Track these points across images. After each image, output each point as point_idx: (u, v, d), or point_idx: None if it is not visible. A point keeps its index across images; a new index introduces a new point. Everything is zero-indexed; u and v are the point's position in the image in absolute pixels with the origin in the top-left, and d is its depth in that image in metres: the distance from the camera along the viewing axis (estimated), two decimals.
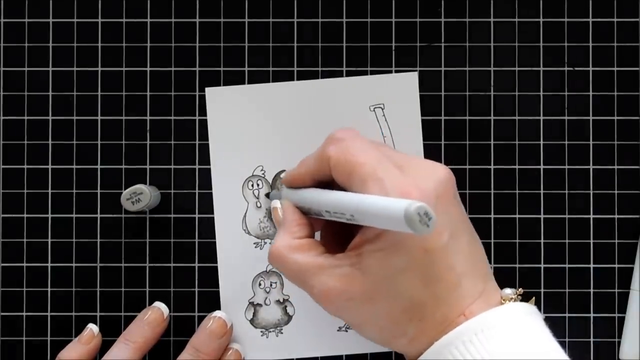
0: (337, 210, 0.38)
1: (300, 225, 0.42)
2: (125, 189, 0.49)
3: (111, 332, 0.49)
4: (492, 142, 0.49)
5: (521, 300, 0.40)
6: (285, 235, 0.42)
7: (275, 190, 0.49)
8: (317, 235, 0.45)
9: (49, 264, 0.50)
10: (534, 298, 0.41)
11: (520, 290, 0.41)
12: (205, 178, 0.50)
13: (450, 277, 0.38)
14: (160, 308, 0.48)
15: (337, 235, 0.43)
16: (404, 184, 0.38)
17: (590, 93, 0.49)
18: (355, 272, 0.39)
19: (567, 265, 0.49)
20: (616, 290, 0.49)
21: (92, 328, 0.48)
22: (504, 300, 0.40)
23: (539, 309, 0.44)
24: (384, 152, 0.40)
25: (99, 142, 0.50)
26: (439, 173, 0.40)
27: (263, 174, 0.50)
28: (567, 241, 0.49)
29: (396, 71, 0.49)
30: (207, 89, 0.50)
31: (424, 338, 0.39)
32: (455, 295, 0.39)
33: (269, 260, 0.42)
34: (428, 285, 0.38)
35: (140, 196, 0.46)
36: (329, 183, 0.42)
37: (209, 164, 0.50)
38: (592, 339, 0.49)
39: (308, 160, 0.43)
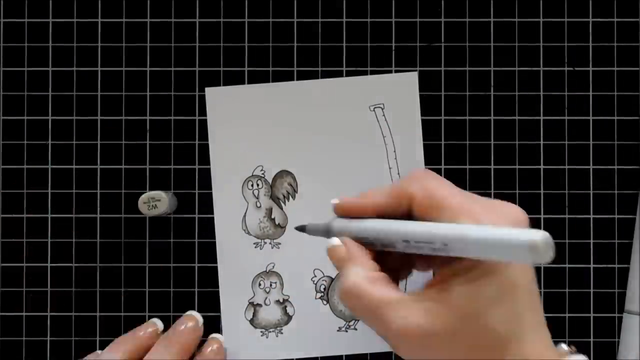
0: (423, 240, 0.37)
1: (372, 259, 0.40)
2: (124, 189, 0.49)
3: (111, 332, 0.49)
4: (492, 142, 0.49)
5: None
6: (360, 269, 0.39)
7: (312, 224, 0.45)
8: None
9: (49, 264, 0.50)
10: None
11: (574, 348, 0.41)
12: (205, 178, 0.50)
13: (531, 317, 0.38)
14: (195, 316, 0.49)
15: (391, 270, 0.41)
16: (493, 219, 0.37)
17: (590, 93, 0.49)
18: (439, 306, 0.37)
19: (567, 265, 0.49)
20: (616, 290, 0.49)
21: (157, 324, 0.49)
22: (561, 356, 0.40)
23: None
24: (461, 190, 0.40)
25: (99, 142, 0.50)
26: (518, 214, 0.39)
27: (263, 174, 0.50)
28: (567, 241, 0.49)
29: (396, 71, 0.50)
30: (207, 89, 0.50)
31: None
32: (538, 336, 0.38)
33: (340, 296, 0.40)
34: (513, 321, 0.37)
35: (157, 203, 0.47)
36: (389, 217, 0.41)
37: (209, 164, 0.50)
38: (592, 339, 0.49)
39: (377, 193, 0.41)
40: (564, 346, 0.40)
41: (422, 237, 0.38)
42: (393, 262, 0.41)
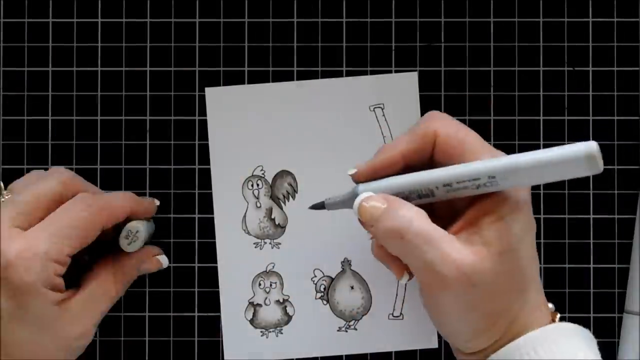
0: (470, 177, 0.38)
1: (413, 206, 0.39)
2: (124, 189, 0.49)
3: (111, 332, 0.49)
4: (492, 142, 0.49)
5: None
6: (406, 208, 0.39)
7: (330, 198, 0.43)
8: None
9: None
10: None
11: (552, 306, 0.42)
12: (205, 178, 0.50)
13: (536, 263, 0.41)
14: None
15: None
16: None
17: (590, 93, 0.49)
18: (477, 246, 0.38)
19: (567, 265, 0.49)
20: (616, 290, 0.49)
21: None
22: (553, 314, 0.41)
23: None
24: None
25: (99, 142, 0.50)
26: None
27: (263, 174, 0.50)
28: (567, 241, 0.49)
29: (396, 71, 0.50)
30: (207, 89, 0.50)
31: (490, 334, 0.39)
32: (539, 286, 0.41)
33: (384, 237, 0.39)
34: (533, 260, 0.40)
35: (137, 234, 0.45)
36: (413, 168, 0.41)
37: (209, 164, 0.50)
38: None
39: (396, 144, 0.41)
40: (551, 305, 0.42)
41: (467, 174, 0.38)
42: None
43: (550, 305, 0.41)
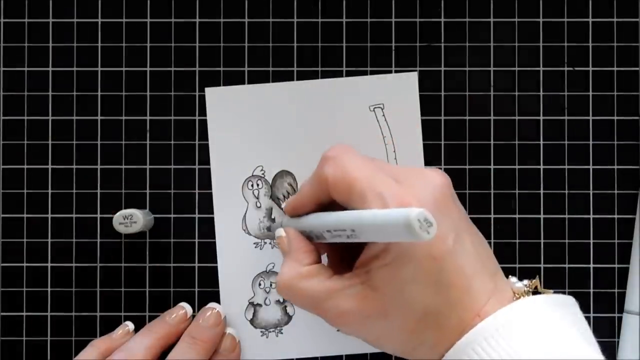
0: (337, 227, 0.38)
1: (306, 252, 0.42)
2: (124, 189, 0.49)
3: (111, 332, 0.49)
4: (492, 142, 0.49)
5: (535, 290, 0.41)
6: (292, 264, 0.41)
7: (276, 222, 0.49)
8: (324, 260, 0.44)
9: (49, 264, 0.50)
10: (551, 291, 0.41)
11: (535, 281, 0.41)
12: (205, 178, 0.50)
13: (460, 280, 0.38)
14: (185, 307, 0.49)
15: (344, 258, 0.43)
16: (401, 195, 0.38)
17: (590, 93, 0.49)
18: (366, 290, 0.39)
19: (567, 265, 0.49)
20: (616, 290, 0.49)
21: (129, 325, 0.49)
22: (517, 295, 0.40)
23: None
24: (378, 166, 0.41)
25: (99, 142, 0.50)
26: (434, 179, 0.40)
27: (263, 174, 0.50)
28: (567, 241, 0.49)
29: (396, 71, 0.50)
30: (207, 89, 0.50)
31: (444, 343, 0.39)
32: (468, 297, 0.39)
33: (278, 292, 0.42)
34: (439, 292, 0.38)
35: (133, 220, 0.47)
36: (331, 206, 0.42)
37: (209, 164, 0.50)
38: None
39: (306, 185, 0.43)
40: (519, 284, 0.41)
41: (333, 226, 0.39)
42: (345, 246, 0.42)
43: (520, 283, 0.40)
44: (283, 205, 0.46)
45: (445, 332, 0.39)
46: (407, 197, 0.38)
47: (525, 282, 0.41)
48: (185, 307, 0.48)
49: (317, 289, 0.40)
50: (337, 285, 0.40)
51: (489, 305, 0.39)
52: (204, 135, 0.50)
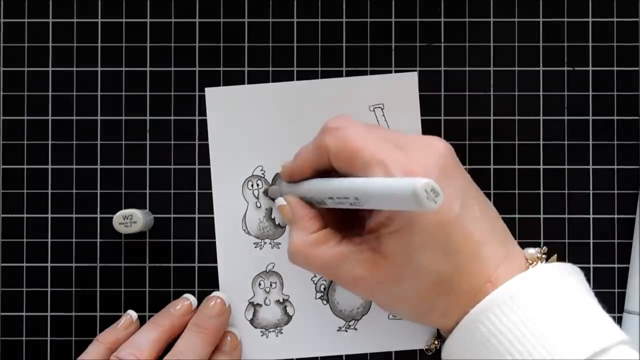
0: (340, 195, 0.38)
1: (311, 219, 0.42)
2: (124, 189, 0.49)
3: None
4: (492, 142, 0.49)
5: (547, 258, 0.41)
6: (301, 232, 0.42)
7: (273, 186, 0.48)
8: None
9: (49, 264, 0.50)
10: (555, 255, 0.41)
11: (545, 248, 0.41)
12: (205, 178, 0.50)
13: (469, 246, 0.39)
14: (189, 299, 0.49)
15: (342, 221, 0.43)
16: (406, 163, 0.38)
17: (590, 93, 0.49)
18: (376, 256, 0.39)
19: None
20: (616, 290, 0.49)
21: (131, 314, 0.48)
22: (530, 261, 0.40)
23: None
24: (381, 135, 0.41)
25: (99, 142, 0.50)
26: (438, 147, 0.40)
27: (263, 174, 0.50)
28: (566, 241, 0.49)
29: (396, 71, 0.50)
30: (207, 89, 0.50)
31: (456, 309, 0.39)
32: (478, 263, 0.39)
33: (290, 259, 0.42)
34: (449, 257, 0.38)
35: (133, 220, 0.47)
36: (328, 172, 0.42)
37: (209, 164, 0.50)
38: None
39: (305, 152, 0.43)
40: (532, 250, 0.41)
41: (337, 193, 0.39)
42: (339, 214, 0.42)
43: (532, 250, 0.41)
44: (279, 170, 0.46)
45: (456, 298, 0.39)
46: (412, 166, 0.38)
47: (537, 249, 0.41)
48: (189, 299, 0.48)
49: (328, 255, 0.40)
50: (348, 250, 0.40)
51: (500, 271, 0.39)
52: (204, 135, 0.50)
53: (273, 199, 0.49)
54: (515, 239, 0.49)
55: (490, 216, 0.41)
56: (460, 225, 0.38)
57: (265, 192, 0.49)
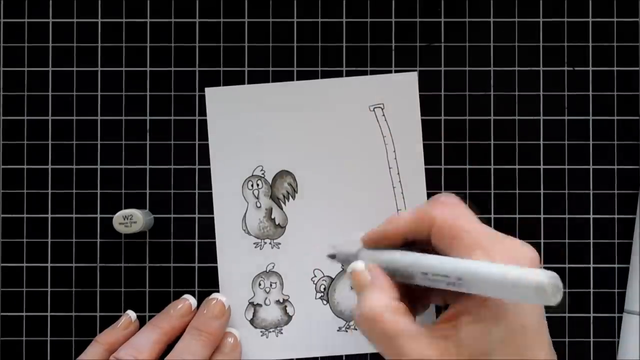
0: (440, 273, 0.37)
1: (393, 287, 0.40)
2: (124, 189, 0.49)
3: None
4: (492, 142, 0.49)
5: None
6: (382, 296, 0.39)
7: (340, 252, 0.45)
8: None
9: (49, 264, 0.50)
10: None
11: None
12: (205, 178, 0.50)
13: (540, 356, 0.38)
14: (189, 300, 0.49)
15: (406, 301, 0.41)
16: (510, 259, 0.37)
17: (590, 93, 0.49)
18: (449, 344, 0.38)
19: (567, 265, 0.49)
20: (616, 290, 0.49)
21: (130, 314, 0.48)
22: None
23: None
24: (484, 226, 0.40)
25: (99, 142, 0.50)
26: (530, 254, 0.39)
27: (263, 174, 0.50)
28: (567, 241, 0.49)
29: (396, 71, 0.50)
30: (207, 89, 0.50)
31: None
32: None
33: (358, 320, 0.40)
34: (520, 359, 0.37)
35: (133, 220, 0.47)
36: (413, 245, 0.41)
37: (209, 164, 0.50)
38: (592, 339, 0.49)
39: (400, 219, 0.42)
40: None
41: (439, 270, 0.38)
42: (412, 294, 0.41)
43: None
44: (361, 236, 0.43)
45: None
46: (511, 261, 0.37)
47: None
48: (189, 299, 0.48)
49: (404, 326, 0.38)
50: (423, 330, 0.38)
51: None
52: (204, 135, 0.50)
53: (341, 262, 0.46)
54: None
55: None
56: (539, 333, 0.38)
57: (332, 256, 0.45)
